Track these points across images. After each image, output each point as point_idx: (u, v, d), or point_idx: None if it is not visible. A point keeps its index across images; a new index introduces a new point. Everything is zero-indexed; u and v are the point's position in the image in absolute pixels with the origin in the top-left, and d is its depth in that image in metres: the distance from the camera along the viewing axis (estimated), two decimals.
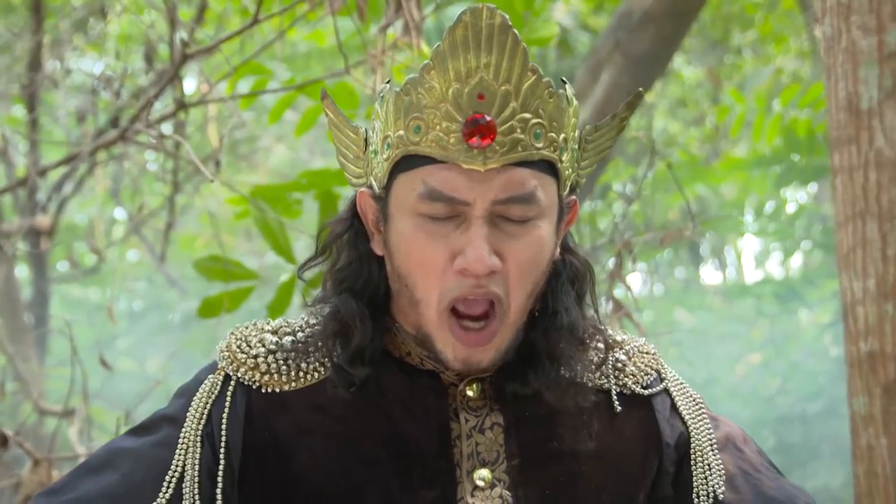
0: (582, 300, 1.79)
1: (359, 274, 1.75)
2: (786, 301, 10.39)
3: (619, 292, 5.01)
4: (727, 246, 15.17)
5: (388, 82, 1.69)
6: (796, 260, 13.80)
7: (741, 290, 12.05)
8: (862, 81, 1.70)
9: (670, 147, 11.94)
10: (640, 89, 1.78)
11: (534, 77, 1.61)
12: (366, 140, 1.75)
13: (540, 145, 1.62)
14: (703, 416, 1.88)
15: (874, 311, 1.68)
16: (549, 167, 1.65)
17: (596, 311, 1.81)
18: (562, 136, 1.66)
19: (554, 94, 1.64)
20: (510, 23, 1.61)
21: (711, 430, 1.87)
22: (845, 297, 1.73)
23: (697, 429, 1.86)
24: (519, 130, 1.60)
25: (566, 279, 1.77)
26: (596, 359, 1.82)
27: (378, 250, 1.74)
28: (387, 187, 1.68)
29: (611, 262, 4.87)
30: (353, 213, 1.77)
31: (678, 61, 10.46)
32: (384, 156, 1.67)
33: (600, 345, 1.82)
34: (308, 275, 1.84)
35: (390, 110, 1.65)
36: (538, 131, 1.62)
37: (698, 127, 13.14)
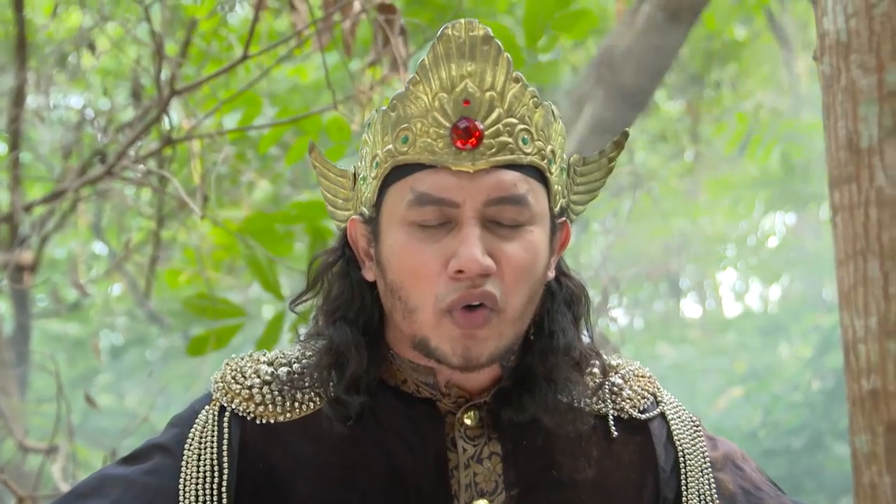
0: (578, 323, 1.78)
1: (351, 302, 1.74)
2: (767, 334, 10.41)
3: (601, 327, 5.01)
4: (707, 279, 15.22)
5: (376, 111, 1.70)
6: (776, 293, 13.86)
7: (722, 324, 12.08)
8: (862, 120, 1.70)
9: (651, 180, 11.99)
10: (627, 129, 1.79)
11: (518, 85, 1.64)
12: (354, 175, 1.76)
13: (528, 150, 1.64)
14: (700, 438, 1.87)
15: (876, 349, 1.67)
16: (539, 175, 1.66)
17: (591, 335, 1.81)
18: (549, 147, 1.67)
19: (539, 105, 1.66)
20: (492, 34, 1.64)
21: (707, 453, 1.86)
22: (846, 334, 1.73)
23: (692, 453, 1.85)
24: (506, 134, 1.62)
25: (562, 301, 1.76)
26: (592, 383, 1.81)
27: (370, 276, 1.73)
28: (377, 205, 1.68)
29: (597, 297, 4.89)
30: (344, 242, 1.77)
31: (658, 95, 10.52)
32: (373, 174, 1.67)
33: (596, 370, 1.82)
34: (300, 308, 1.84)
35: (378, 130, 1.67)
36: (525, 137, 1.63)
37: (678, 161, 13.21)
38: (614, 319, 4.78)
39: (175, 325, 8.76)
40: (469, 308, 1.61)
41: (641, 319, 15.01)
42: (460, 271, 1.59)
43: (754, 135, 8.03)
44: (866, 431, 1.66)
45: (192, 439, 1.72)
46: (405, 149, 1.62)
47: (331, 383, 1.71)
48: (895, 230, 1.63)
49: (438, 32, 1.63)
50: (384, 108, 1.66)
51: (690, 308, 16.05)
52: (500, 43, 1.64)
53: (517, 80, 1.64)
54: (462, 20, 1.64)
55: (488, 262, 1.59)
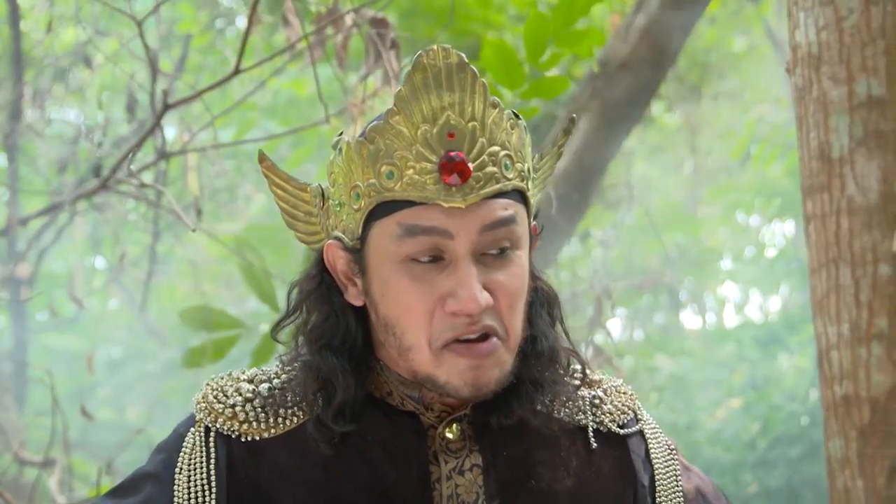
0: (555, 324, 1.80)
1: (336, 329, 1.73)
2: (766, 345, 10.40)
3: (599, 338, 5.03)
4: (706, 291, 15.21)
5: (341, 134, 1.69)
6: (776, 304, 13.85)
7: (721, 335, 12.06)
8: (833, 130, 1.73)
9: (649, 193, 12.00)
10: (573, 115, 1.80)
11: (496, 111, 1.63)
12: (323, 194, 1.75)
13: (511, 176, 1.64)
14: (675, 462, 1.89)
15: (848, 355, 1.70)
16: (520, 196, 1.67)
17: (567, 335, 1.82)
18: (526, 165, 1.68)
19: (515, 126, 1.66)
20: (466, 60, 1.63)
21: (680, 480, 1.87)
22: (820, 341, 1.76)
23: (666, 475, 1.86)
24: (491, 164, 1.61)
25: (539, 305, 1.77)
26: (572, 387, 1.83)
27: (355, 301, 1.73)
28: (361, 238, 1.67)
29: (590, 309, 4.91)
30: (322, 267, 1.76)
31: (657, 108, 10.54)
32: (355, 206, 1.66)
33: (576, 381, 1.83)
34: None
35: (354, 159, 1.65)
36: (507, 163, 1.63)
37: (677, 173, 13.22)
38: (609, 333, 4.78)
39: (174, 339, 8.78)
40: (470, 341, 1.62)
41: (641, 331, 15.00)
42: (460, 310, 1.60)
43: (758, 142, 8.08)
44: (839, 436, 1.69)
45: (182, 463, 1.74)
46: (391, 184, 1.61)
47: (316, 406, 1.72)
48: (866, 238, 1.66)
49: (413, 62, 1.62)
50: (361, 137, 1.65)
51: (690, 320, 16.05)
52: (475, 69, 1.64)
53: (494, 106, 1.63)
54: (435, 47, 1.62)
55: (486, 298, 1.60)
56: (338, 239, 1.71)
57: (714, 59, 9.76)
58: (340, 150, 1.67)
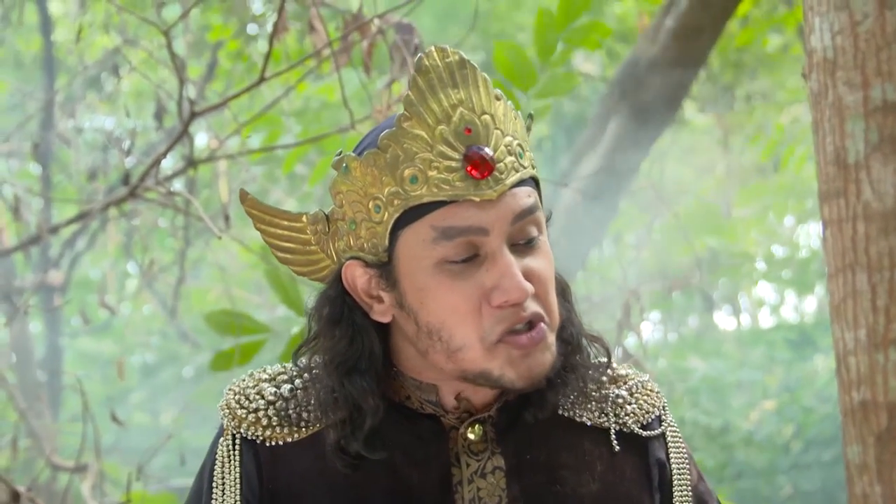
0: (572, 310, 1.79)
1: (362, 352, 1.72)
2: (799, 347, 10.36)
3: (630, 342, 5.04)
4: (741, 292, 15.15)
5: (339, 153, 1.67)
6: (811, 305, 13.78)
7: (755, 337, 12.01)
8: (849, 136, 1.73)
9: (682, 195, 11.97)
10: (531, 112, 1.80)
11: (500, 102, 1.65)
12: (327, 219, 1.73)
13: (525, 164, 1.66)
14: (687, 473, 1.88)
15: (866, 361, 1.70)
16: (534, 183, 1.69)
17: (580, 324, 1.81)
18: (530, 152, 1.70)
19: (517, 116, 1.68)
20: (466, 57, 1.64)
21: (691, 491, 1.87)
22: (838, 347, 1.76)
23: (679, 483, 1.86)
24: (508, 154, 1.62)
25: (558, 293, 1.76)
26: (599, 373, 1.83)
27: (383, 317, 1.71)
28: (388, 249, 1.65)
29: (620, 312, 4.91)
30: (341, 289, 1.73)
31: (689, 109, 10.49)
32: (376, 219, 1.64)
33: (601, 370, 1.83)
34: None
35: (370, 172, 1.63)
36: (520, 151, 1.65)
37: (710, 175, 13.18)
38: (639, 335, 4.78)
39: (206, 344, 8.85)
40: (518, 331, 1.62)
41: (675, 333, 14.97)
42: (507, 301, 1.61)
43: (788, 145, 8.06)
44: (857, 442, 1.69)
45: (217, 478, 1.75)
46: (416, 188, 1.60)
47: (342, 438, 1.70)
48: (882, 244, 1.66)
49: (415, 66, 1.62)
50: (373, 150, 1.63)
51: (725, 321, 15.99)
52: (475, 64, 1.65)
53: (498, 98, 1.65)
54: (433, 47, 1.63)
55: (529, 285, 1.61)
56: (356, 258, 1.70)
57: (747, 60, 9.71)
58: (346, 167, 1.66)
